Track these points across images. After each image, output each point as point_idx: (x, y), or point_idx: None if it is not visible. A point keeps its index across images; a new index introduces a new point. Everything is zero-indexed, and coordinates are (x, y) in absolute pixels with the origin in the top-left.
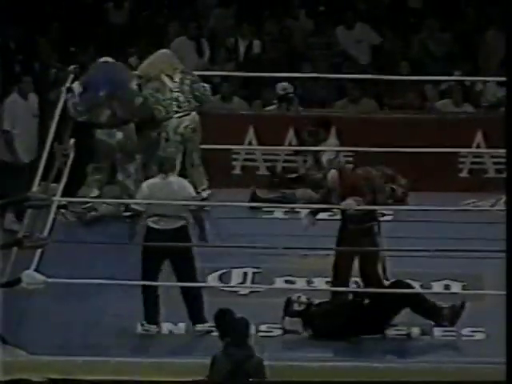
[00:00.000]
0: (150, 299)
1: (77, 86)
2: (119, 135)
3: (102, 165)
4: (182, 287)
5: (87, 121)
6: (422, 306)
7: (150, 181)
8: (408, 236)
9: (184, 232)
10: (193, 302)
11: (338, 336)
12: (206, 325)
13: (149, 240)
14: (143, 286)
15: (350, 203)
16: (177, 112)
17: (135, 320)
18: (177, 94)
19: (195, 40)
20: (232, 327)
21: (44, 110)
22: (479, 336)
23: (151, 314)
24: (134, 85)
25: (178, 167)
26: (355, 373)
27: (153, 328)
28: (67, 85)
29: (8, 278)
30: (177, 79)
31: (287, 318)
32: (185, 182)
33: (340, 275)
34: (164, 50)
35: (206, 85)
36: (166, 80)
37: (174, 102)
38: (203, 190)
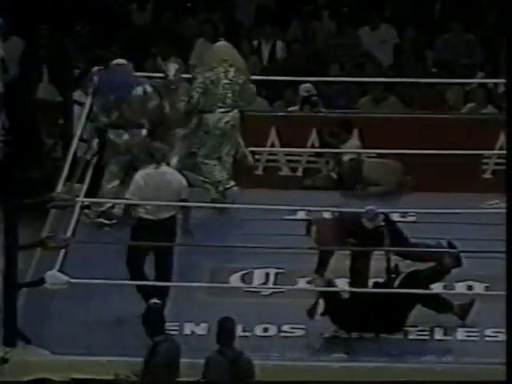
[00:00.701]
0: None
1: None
2: (126, 136)
3: (113, 164)
4: (157, 278)
5: (101, 122)
6: (433, 300)
7: (144, 171)
8: (432, 237)
9: (173, 222)
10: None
11: (362, 331)
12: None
13: (141, 231)
14: (130, 266)
15: (372, 208)
16: (220, 107)
17: None
18: (227, 90)
19: (214, 41)
20: (223, 327)
21: (67, 109)
22: (502, 337)
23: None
24: (148, 88)
25: (226, 158)
26: (374, 373)
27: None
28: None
29: (31, 279)
30: (230, 76)
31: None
32: (176, 173)
33: (359, 275)
34: (225, 43)
35: (253, 86)
36: (222, 74)
37: (221, 97)
38: (228, 187)
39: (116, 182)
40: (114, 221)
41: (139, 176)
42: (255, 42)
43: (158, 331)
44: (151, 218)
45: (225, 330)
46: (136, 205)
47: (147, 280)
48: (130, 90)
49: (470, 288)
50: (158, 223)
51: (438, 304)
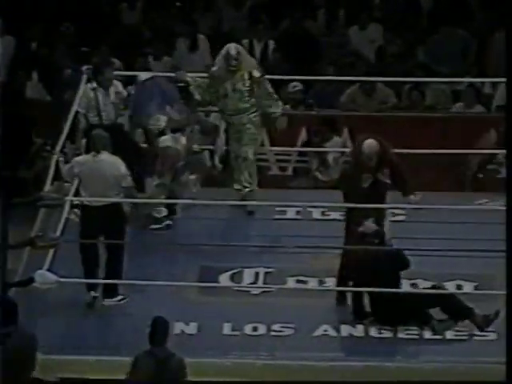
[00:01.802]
0: (90, 269)
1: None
2: (183, 140)
3: (165, 171)
4: (107, 265)
5: (147, 129)
6: (454, 306)
7: (80, 157)
8: (421, 237)
9: (116, 208)
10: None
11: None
12: (115, 299)
13: (85, 218)
14: (84, 257)
15: (370, 225)
16: (236, 113)
17: (144, 319)
18: (243, 99)
19: (190, 38)
20: (154, 327)
21: (56, 108)
22: (492, 336)
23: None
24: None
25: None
26: (366, 373)
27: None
28: (92, 85)
29: (21, 278)
30: (242, 84)
31: None
32: (117, 161)
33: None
34: (235, 47)
35: (268, 86)
36: (238, 84)
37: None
38: (246, 186)
39: (165, 185)
40: None
41: (74, 162)
42: (245, 42)
43: (7, 322)
44: (91, 205)
45: (157, 329)
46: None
47: (97, 267)
48: (172, 95)
49: (459, 287)
50: (98, 210)
51: (458, 311)
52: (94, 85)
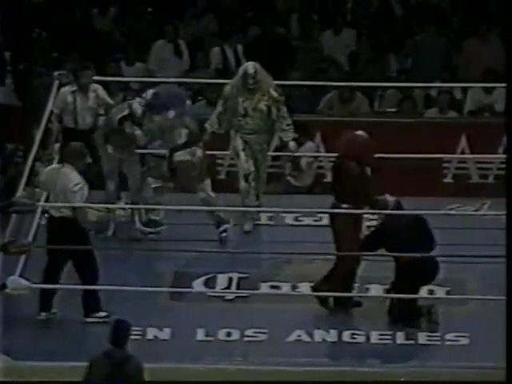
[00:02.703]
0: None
1: (138, 109)
2: (199, 152)
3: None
4: (84, 283)
5: (162, 143)
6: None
7: (49, 167)
8: None
9: (72, 220)
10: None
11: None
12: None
13: (48, 228)
14: (46, 276)
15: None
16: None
17: None
18: (263, 118)
19: (173, 42)
20: (114, 329)
21: (28, 113)
22: (463, 341)
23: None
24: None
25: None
26: (339, 378)
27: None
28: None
29: None
30: (267, 104)
31: None
32: (72, 175)
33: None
34: (253, 66)
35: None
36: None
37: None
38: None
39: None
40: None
41: (45, 170)
42: (217, 49)
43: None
44: (50, 214)
45: (116, 331)
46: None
47: (56, 278)
48: (183, 105)
49: (431, 292)
50: (57, 220)
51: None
52: (74, 88)
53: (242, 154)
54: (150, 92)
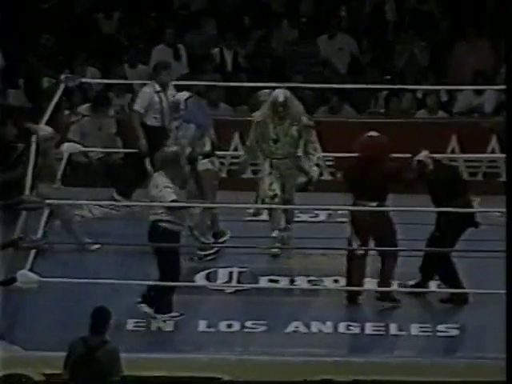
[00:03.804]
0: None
1: (176, 123)
2: (217, 162)
3: (207, 193)
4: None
5: (191, 152)
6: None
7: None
8: None
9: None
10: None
11: None
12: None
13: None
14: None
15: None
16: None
17: (124, 317)
18: (294, 144)
19: (173, 47)
20: (94, 316)
21: (37, 116)
22: (454, 332)
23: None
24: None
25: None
26: (335, 367)
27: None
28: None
29: (3, 278)
30: (298, 130)
31: None
32: (159, 180)
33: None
34: (284, 93)
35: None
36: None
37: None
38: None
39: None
40: None
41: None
42: (216, 50)
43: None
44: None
45: (94, 318)
46: None
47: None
48: (208, 119)
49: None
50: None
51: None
52: (157, 88)
53: (267, 179)
54: (179, 99)
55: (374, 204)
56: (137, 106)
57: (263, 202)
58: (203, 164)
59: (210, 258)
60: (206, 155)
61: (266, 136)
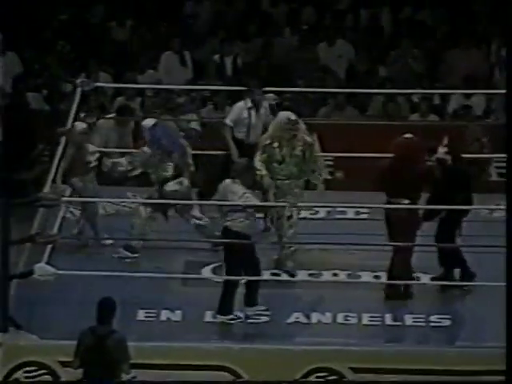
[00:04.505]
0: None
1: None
2: (186, 182)
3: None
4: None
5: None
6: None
7: (224, 182)
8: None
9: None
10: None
11: None
12: (255, 308)
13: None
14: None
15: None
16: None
17: (135, 307)
18: (298, 163)
19: (179, 54)
20: (100, 307)
21: (56, 118)
22: (446, 322)
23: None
24: (184, 141)
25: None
26: (335, 356)
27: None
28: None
29: (22, 271)
30: (302, 149)
31: None
32: (236, 188)
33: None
34: (291, 116)
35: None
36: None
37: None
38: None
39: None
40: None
41: (220, 185)
42: (217, 56)
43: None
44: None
45: (100, 309)
46: None
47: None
48: (175, 144)
49: (417, 279)
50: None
51: None
52: (249, 104)
53: (272, 198)
54: (147, 126)
55: (407, 202)
56: (227, 120)
57: (272, 222)
58: (170, 186)
59: None
60: (174, 176)
61: (273, 157)
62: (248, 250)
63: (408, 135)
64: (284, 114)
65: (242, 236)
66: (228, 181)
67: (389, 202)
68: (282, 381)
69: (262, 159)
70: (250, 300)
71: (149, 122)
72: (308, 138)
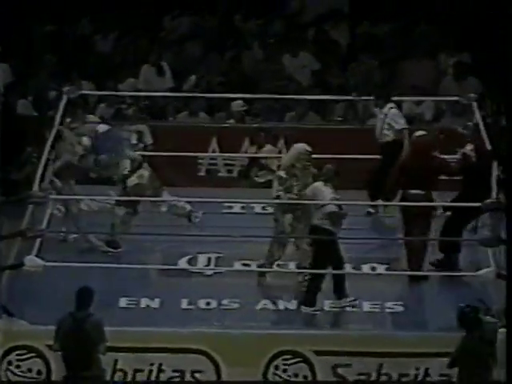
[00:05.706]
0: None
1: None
2: (146, 173)
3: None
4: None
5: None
6: None
7: (315, 183)
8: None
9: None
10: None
11: None
12: (346, 299)
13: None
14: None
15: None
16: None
17: (116, 296)
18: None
19: (156, 65)
20: (78, 294)
21: (44, 124)
22: (399, 308)
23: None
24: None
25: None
26: (298, 339)
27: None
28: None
29: (13, 263)
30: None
31: None
32: (325, 191)
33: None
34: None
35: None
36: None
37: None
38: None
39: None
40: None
41: (311, 186)
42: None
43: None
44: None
45: (79, 296)
46: None
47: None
48: (121, 146)
49: (373, 269)
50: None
51: None
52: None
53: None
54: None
55: (423, 192)
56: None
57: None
58: (132, 180)
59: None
60: (133, 171)
61: (289, 190)
62: (334, 247)
63: (420, 132)
64: (300, 145)
65: (329, 233)
66: (318, 183)
67: (404, 195)
68: (282, 381)
69: (279, 187)
70: (341, 292)
71: (102, 128)
72: (313, 169)
